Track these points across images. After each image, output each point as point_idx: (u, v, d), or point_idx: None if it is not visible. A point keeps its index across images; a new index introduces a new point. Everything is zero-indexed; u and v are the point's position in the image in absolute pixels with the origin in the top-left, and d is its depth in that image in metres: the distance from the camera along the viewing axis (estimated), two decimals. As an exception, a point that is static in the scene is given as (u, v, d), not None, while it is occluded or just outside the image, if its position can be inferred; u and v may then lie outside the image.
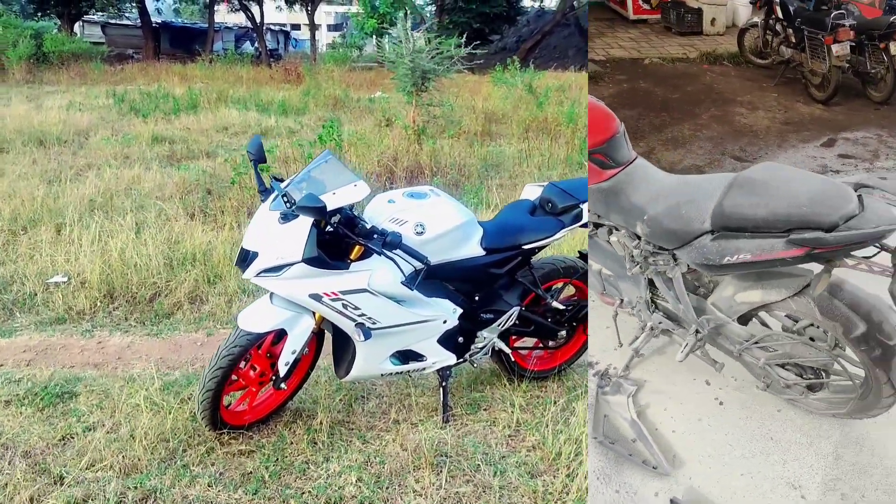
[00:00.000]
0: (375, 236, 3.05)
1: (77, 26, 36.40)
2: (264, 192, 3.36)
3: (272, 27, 45.63)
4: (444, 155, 9.29)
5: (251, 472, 3.15)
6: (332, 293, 3.11)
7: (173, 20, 42.02)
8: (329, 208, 2.98)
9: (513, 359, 3.92)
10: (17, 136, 11.01)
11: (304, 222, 2.99)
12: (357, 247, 3.14)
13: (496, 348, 3.82)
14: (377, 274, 3.17)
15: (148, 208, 7.11)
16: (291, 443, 3.39)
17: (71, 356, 4.30)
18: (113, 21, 37.86)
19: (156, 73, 24.35)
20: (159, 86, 18.81)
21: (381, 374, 3.52)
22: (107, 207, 7.12)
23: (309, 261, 3.00)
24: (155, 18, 39.22)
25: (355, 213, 3.21)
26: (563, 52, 40.86)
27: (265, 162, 3.42)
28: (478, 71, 16.84)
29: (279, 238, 3.05)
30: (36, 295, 4.99)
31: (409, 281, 3.21)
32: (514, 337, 3.95)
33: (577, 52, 40.17)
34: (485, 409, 3.76)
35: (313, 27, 37.38)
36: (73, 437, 3.36)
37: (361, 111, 15.44)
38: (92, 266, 5.13)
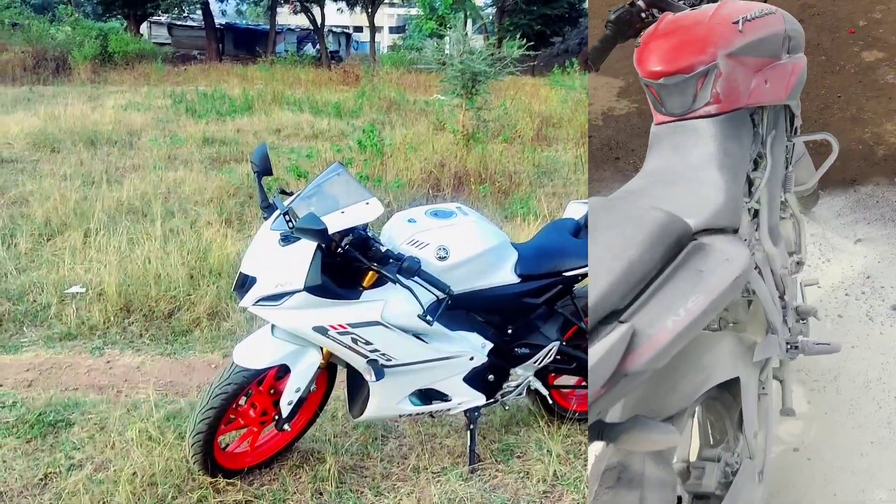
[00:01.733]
0: (391, 261, 2.65)
1: (144, 27, 37.08)
2: (267, 208, 2.99)
3: (334, 29, 45.84)
4: (493, 161, 8.85)
5: (244, 529, 2.77)
6: (340, 325, 2.71)
7: (237, 22, 42.51)
8: (335, 230, 2.60)
9: (551, 399, 3.47)
10: (68, 136, 10.98)
11: (308, 245, 2.60)
12: (370, 273, 2.74)
13: (532, 387, 3.37)
14: (392, 304, 2.77)
15: (183, 213, 6.86)
16: (294, 492, 2.99)
17: (76, 377, 4.00)
18: (178, 22, 38.45)
19: (217, 75, 24.54)
20: (216, 87, 18.82)
21: (400, 416, 3.11)
22: (142, 212, 6.89)
23: (312, 289, 2.61)
24: (219, 20, 39.71)
25: (370, 234, 2.81)
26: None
27: (271, 174, 3.04)
28: (538, 73, 16.40)
29: (279, 262, 2.67)
30: (50, 307, 4.72)
31: (430, 312, 2.78)
32: (553, 374, 3.50)
33: (642, 54, 39.30)
34: (518, 457, 3.32)
35: (373, 29, 37.32)
36: (54, 477, 3.03)
37: (416, 114, 15.10)
38: (111, 277, 4.84)
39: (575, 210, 3.51)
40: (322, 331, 2.71)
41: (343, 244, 2.74)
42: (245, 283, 2.75)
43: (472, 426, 3.24)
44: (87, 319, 4.57)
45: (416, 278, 2.63)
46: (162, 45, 35.18)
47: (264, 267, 2.72)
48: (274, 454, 3.14)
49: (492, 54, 9.34)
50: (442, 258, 2.85)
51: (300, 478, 3.08)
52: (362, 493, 3.01)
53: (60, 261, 5.37)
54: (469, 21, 34.20)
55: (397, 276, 2.62)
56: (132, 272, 5.01)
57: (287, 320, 2.73)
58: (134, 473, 2.97)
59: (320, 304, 2.68)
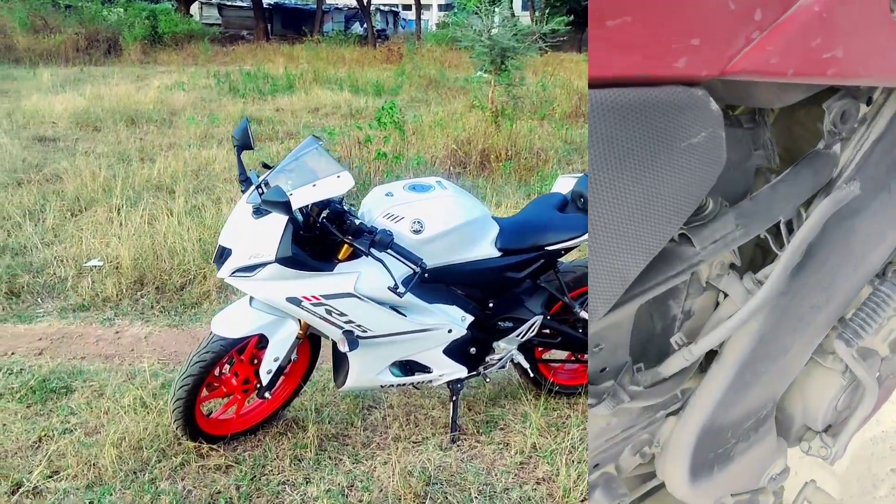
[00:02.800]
0: (364, 234, 2.68)
1: (195, 8, 37.59)
2: (245, 181, 3.05)
3: (382, 7, 45.86)
4: (522, 137, 8.79)
5: (220, 492, 2.85)
6: (314, 297, 2.76)
7: (285, 1, 42.75)
8: (303, 203, 2.64)
9: (533, 373, 3.48)
10: (110, 115, 11.25)
11: (279, 218, 2.65)
12: (345, 246, 2.78)
13: (515, 361, 3.39)
14: (366, 277, 2.80)
15: (209, 191, 7.00)
16: (274, 458, 3.07)
17: (85, 346, 4.14)
18: (228, 3, 38.89)
19: (263, 54, 24.78)
20: (260, 67, 19.03)
21: (381, 386, 3.16)
22: (169, 189, 7.04)
23: (284, 260, 2.65)
24: (268, 0, 40.01)
25: (346, 208, 2.84)
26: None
27: (251, 148, 3.11)
28: (584, 50, 16.11)
29: (252, 235, 2.73)
30: (67, 279, 4.88)
31: (404, 285, 2.81)
32: (540, 348, 3.51)
33: (693, 29, 38.50)
34: (500, 429, 3.34)
35: (419, 6, 37.20)
36: (47, 440, 3.15)
37: (455, 92, 15.08)
38: (126, 251, 4.98)
39: (563, 184, 3.49)
40: (296, 301, 2.76)
41: (320, 218, 2.78)
42: (223, 255, 2.82)
43: (454, 398, 3.27)
44: (100, 291, 4.71)
45: (388, 251, 2.66)
46: (212, 25, 35.65)
47: (239, 239, 2.78)
48: (258, 422, 3.22)
49: (520, 29, 9.25)
50: (417, 231, 2.87)
51: (282, 444, 3.16)
52: (340, 460, 3.07)
53: (83, 236, 5.53)
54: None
55: (370, 249, 2.65)
56: (148, 246, 5.14)
57: (261, 291, 2.79)
58: (121, 438, 3.08)
59: (293, 276, 2.73)
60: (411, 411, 3.46)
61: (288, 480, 2.94)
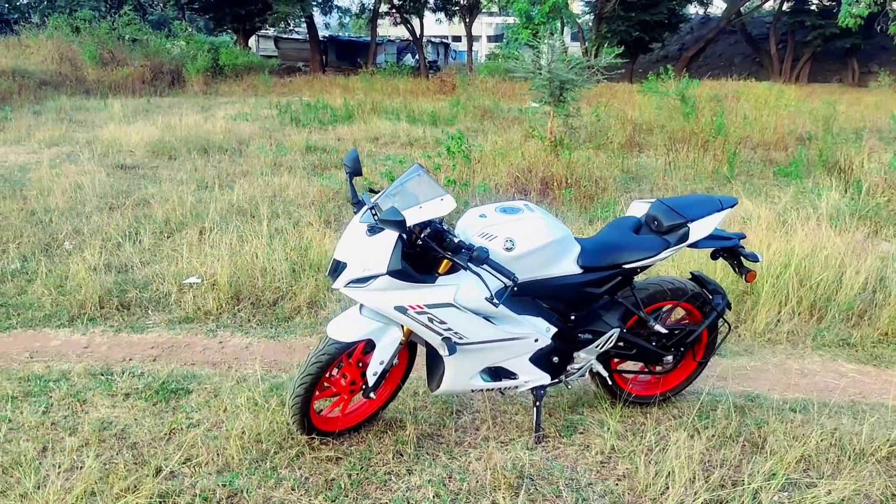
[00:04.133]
0: (463, 251, 3.02)
1: (253, 41, 38.84)
2: (357, 203, 3.41)
3: (433, 39, 46.72)
4: (580, 166, 9.11)
5: (334, 479, 3.20)
6: (418, 306, 3.11)
7: (339, 34, 43.91)
8: (413, 222, 2.99)
9: (611, 381, 3.78)
10: (183, 145, 11.86)
11: (390, 235, 3.01)
12: (445, 261, 3.12)
13: (594, 370, 3.69)
14: (464, 288, 3.14)
15: (287, 215, 7.44)
16: (378, 452, 3.41)
17: (193, 354, 4.55)
18: (284, 35, 40.09)
19: (320, 85, 25.61)
20: (319, 97, 19.69)
21: (472, 390, 3.48)
22: (250, 213, 7.51)
23: (393, 273, 3.01)
24: (323, 32, 41.17)
25: (445, 227, 3.19)
26: (729, 59, 39.25)
27: (360, 174, 3.48)
28: (636, 80, 16.36)
29: (366, 250, 3.08)
30: (170, 295, 5.33)
31: (497, 297, 3.14)
32: (616, 359, 3.81)
33: (744, 59, 38.48)
34: (580, 433, 3.64)
35: (470, 38, 37.89)
36: (177, 432, 3.55)
37: (510, 122, 15.47)
38: (223, 270, 5.41)
39: (637, 209, 3.80)
40: (402, 310, 3.11)
41: (422, 236, 3.13)
42: (337, 269, 3.18)
43: (538, 403, 3.58)
44: (202, 306, 5.14)
45: (484, 266, 2.99)
46: (269, 57, 36.80)
47: (353, 254, 3.14)
48: (362, 420, 3.57)
49: (579, 63, 9.60)
50: (509, 249, 3.20)
51: (383, 441, 3.50)
52: (437, 455, 3.40)
53: (179, 255, 5.99)
54: (566, 28, 34.33)
55: (468, 263, 2.99)
56: (241, 265, 5.57)
57: (372, 300, 3.14)
58: (242, 432, 3.45)
59: (401, 287, 3.08)
60: (497, 415, 3.77)
61: (392, 471, 3.27)
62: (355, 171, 3.46)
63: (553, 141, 9.63)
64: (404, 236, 3.08)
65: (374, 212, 3.14)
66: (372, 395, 3.38)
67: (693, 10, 41.30)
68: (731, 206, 3.67)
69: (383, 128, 14.51)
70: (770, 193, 8.74)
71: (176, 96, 22.24)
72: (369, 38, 38.70)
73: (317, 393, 3.36)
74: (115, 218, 7.17)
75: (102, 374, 4.18)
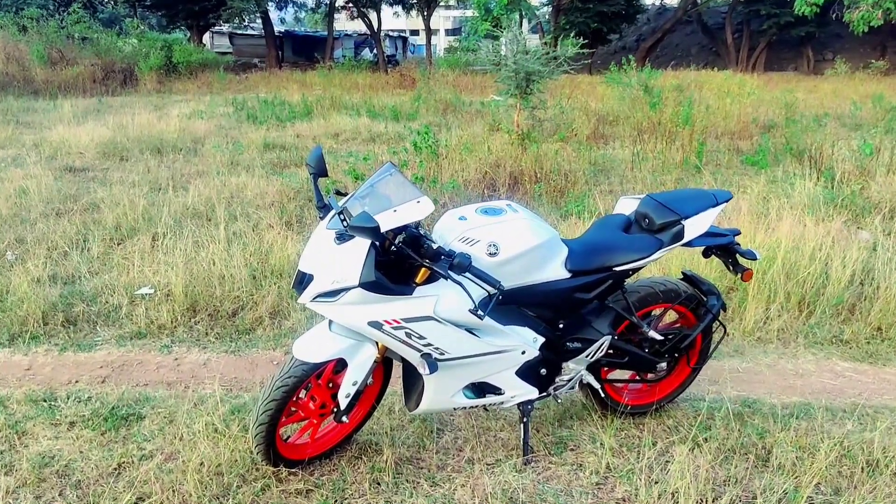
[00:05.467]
0: (442, 258, 2.71)
1: (206, 37, 38.01)
2: (323, 208, 3.09)
3: (391, 33, 46.26)
4: (548, 160, 8.85)
5: (305, 515, 2.88)
6: (394, 321, 2.80)
7: (295, 29, 43.19)
8: (387, 228, 2.68)
9: (603, 392, 3.50)
10: (136, 145, 11.39)
11: (362, 243, 2.69)
12: (423, 269, 2.82)
13: (584, 381, 3.42)
14: (444, 300, 2.84)
15: (245, 217, 7.07)
16: (353, 482, 3.10)
17: (146, 373, 4.18)
18: (239, 31, 39.30)
19: (277, 81, 25.06)
20: (276, 93, 19.23)
21: (454, 409, 3.19)
22: (206, 216, 7.12)
23: (366, 285, 2.69)
24: (278, 28, 40.44)
25: (422, 232, 2.88)
26: (686, 50, 39.44)
27: (326, 175, 3.14)
28: (595, 71, 16.23)
29: (335, 260, 2.76)
30: (121, 307, 4.94)
31: (481, 307, 2.84)
32: (606, 368, 3.53)
33: (701, 49, 38.69)
34: (571, 450, 3.36)
35: (429, 32, 37.51)
36: (127, 466, 3.19)
37: (472, 116, 15.19)
38: (178, 279, 5.04)
39: (626, 205, 3.53)
40: (377, 325, 2.80)
41: (396, 242, 2.82)
42: (303, 281, 2.85)
43: (525, 419, 3.30)
44: (155, 319, 4.77)
45: (467, 274, 2.69)
46: (224, 54, 36.05)
47: (321, 265, 2.81)
48: (333, 446, 3.25)
49: (546, 53, 9.33)
50: (492, 254, 2.91)
51: (358, 468, 3.19)
52: (418, 483, 3.10)
53: (130, 264, 5.60)
54: (525, 21, 34.16)
55: (449, 272, 2.68)
56: (198, 273, 5.20)
57: (343, 316, 2.82)
58: (201, 463, 3.11)
59: (375, 300, 2.76)
60: (480, 433, 3.48)
61: (370, 503, 2.96)
62: (320, 171, 3.13)
63: (520, 134, 9.35)
64: (377, 243, 2.77)
65: (342, 217, 2.83)
66: (344, 418, 3.06)
67: (650, 0, 41.41)
68: (726, 201, 3.42)
69: (343, 124, 14.15)
70: (741, 183, 8.56)
71: (128, 95, 21.56)
72: (326, 33, 38.06)
73: (283, 419, 3.03)
74: (61, 225, 6.73)
75: (45, 400, 3.79)
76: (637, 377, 3.64)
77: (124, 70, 25.04)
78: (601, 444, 3.33)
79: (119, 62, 25.55)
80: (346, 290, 2.73)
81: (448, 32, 58.90)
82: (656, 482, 3.00)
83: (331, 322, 2.98)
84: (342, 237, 2.78)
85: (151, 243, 6.13)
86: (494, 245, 2.92)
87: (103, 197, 7.84)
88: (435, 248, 2.74)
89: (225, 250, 5.59)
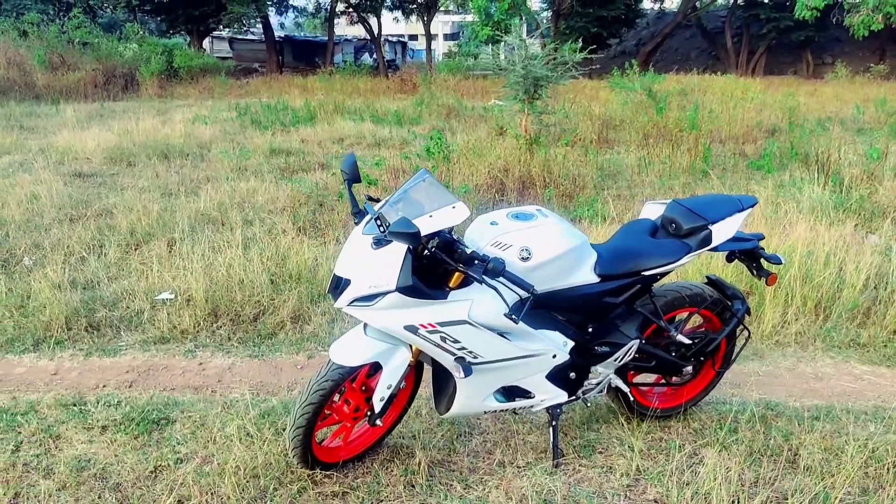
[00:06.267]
0: (476, 262, 2.75)
1: (206, 42, 38.03)
2: (358, 213, 3.13)
3: (390, 38, 46.37)
4: (557, 164, 8.91)
5: (342, 518, 2.92)
6: (429, 325, 2.83)
7: (295, 34, 43.26)
8: (425, 233, 2.71)
9: (632, 396, 3.54)
10: (142, 150, 11.43)
11: (399, 248, 2.73)
12: (456, 274, 2.85)
13: (613, 385, 3.45)
14: (478, 304, 2.87)
15: (259, 222, 7.10)
16: (387, 484, 3.13)
17: (172, 378, 4.22)
18: (239, 36, 39.34)
19: (278, 86, 25.12)
20: (279, 98, 19.28)
21: (485, 412, 3.22)
22: (219, 221, 7.16)
23: (404, 290, 2.73)
24: (278, 33, 40.51)
25: (455, 237, 2.92)
26: (685, 54, 39.55)
27: (359, 181, 3.19)
28: (595, 76, 16.30)
29: (372, 265, 2.80)
30: (143, 312, 4.98)
31: (514, 311, 2.88)
32: (632, 372, 3.57)
33: (700, 53, 38.80)
34: (600, 453, 3.40)
35: (429, 37, 37.58)
36: (164, 470, 3.22)
37: (475, 120, 15.24)
38: (198, 284, 5.07)
39: (652, 210, 3.57)
40: (413, 329, 2.83)
41: (430, 247, 2.86)
42: (339, 285, 2.89)
43: (554, 422, 3.34)
44: (178, 324, 4.80)
45: (500, 279, 2.73)
46: (224, 58, 36.07)
47: (358, 269, 2.85)
48: (365, 449, 3.29)
49: (554, 58, 9.39)
50: (525, 259, 2.94)
51: (392, 471, 3.22)
52: (452, 485, 3.14)
53: (148, 269, 5.63)
54: (524, 25, 34.23)
55: (483, 276, 2.72)
56: (216, 279, 5.23)
57: (380, 320, 2.85)
58: (237, 467, 3.15)
59: (411, 304, 2.80)
60: (508, 437, 3.52)
61: (406, 505, 3.00)
62: (353, 177, 3.16)
63: (528, 139, 9.40)
64: (412, 249, 2.81)
65: (379, 223, 2.87)
66: (378, 422, 3.09)
67: (649, 5, 41.53)
68: (752, 206, 3.47)
69: (347, 128, 14.19)
70: (748, 188, 8.62)
71: (130, 100, 21.63)
72: (326, 38, 38.14)
73: (318, 422, 3.07)
74: (76, 230, 6.76)
75: (75, 405, 3.83)
76: (663, 381, 3.68)
77: (125, 75, 25.09)
78: (629, 447, 3.37)
79: (120, 67, 25.58)
80: (384, 294, 2.77)
81: (447, 37, 59.00)
82: (687, 484, 3.04)
83: (365, 326, 3.02)
84: (379, 242, 2.82)
85: (168, 249, 6.17)
86: (527, 250, 2.96)
87: (116, 202, 7.88)
88: (469, 252, 2.78)
89: (243, 255, 5.62)
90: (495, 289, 2.77)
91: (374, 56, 38.49)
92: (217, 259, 5.58)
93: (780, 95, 17.92)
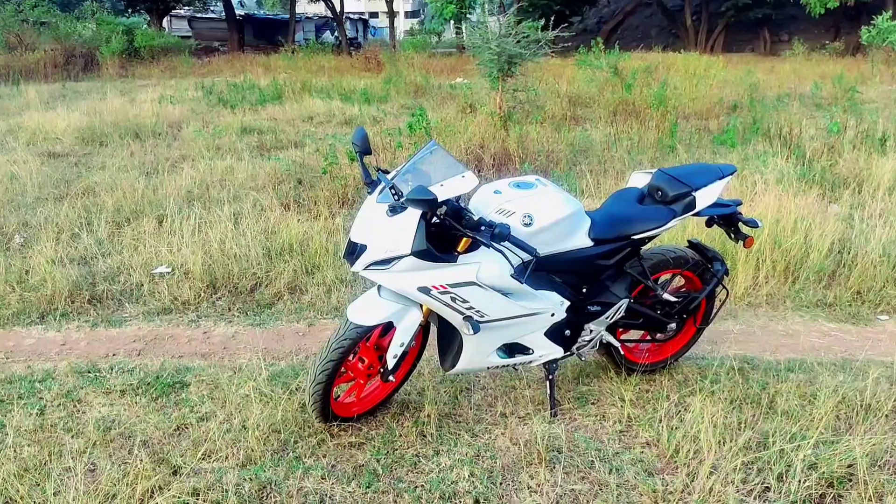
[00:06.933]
0: (483, 228, 2.97)
1: (165, 21, 37.50)
2: (370, 183, 3.33)
3: (351, 16, 46.08)
4: (531, 141, 9.15)
5: (363, 465, 3.14)
6: (441, 286, 3.05)
7: (256, 12, 42.82)
8: (445, 198, 2.93)
9: (621, 351, 3.82)
10: (114, 130, 11.40)
11: (413, 215, 2.94)
12: (464, 239, 3.07)
13: (604, 341, 3.72)
14: (485, 266, 3.10)
15: (243, 199, 7.23)
16: (400, 435, 3.37)
17: (179, 346, 4.39)
18: (199, 15, 38.86)
19: (241, 65, 24.95)
20: (245, 77, 19.22)
21: (487, 368, 3.46)
22: (204, 198, 7.28)
23: (418, 254, 2.95)
24: (238, 11, 40.05)
25: (462, 205, 3.14)
26: (646, 32, 39.98)
27: (370, 153, 3.39)
28: (560, 54, 16.50)
29: (388, 231, 3.01)
30: (143, 285, 5.12)
31: (518, 273, 3.12)
32: (620, 329, 3.84)
33: (660, 31, 39.25)
34: (593, 404, 3.67)
35: (391, 14, 37.46)
36: (188, 427, 3.42)
37: (443, 98, 15.39)
38: (194, 257, 5.23)
39: (638, 179, 3.83)
40: (425, 290, 3.05)
41: (440, 214, 3.07)
42: (354, 251, 3.10)
43: (550, 376, 3.60)
44: (178, 296, 4.96)
45: (506, 243, 2.96)
46: (184, 38, 35.63)
47: (373, 235, 3.05)
48: (378, 403, 3.51)
49: (525, 36, 9.59)
50: (527, 224, 3.17)
51: (403, 424, 3.45)
52: (460, 434, 3.38)
53: (141, 244, 5.76)
54: (486, 3, 34.32)
55: (490, 241, 2.95)
56: (212, 253, 5.39)
57: (395, 282, 3.07)
58: (258, 423, 3.35)
59: (424, 267, 3.01)
60: (508, 391, 3.77)
61: (420, 453, 3.23)
62: (365, 149, 3.37)
63: (502, 116, 9.62)
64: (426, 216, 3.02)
65: (393, 191, 3.07)
66: (391, 377, 3.32)
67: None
68: (732, 174, 3.74)
69: (316, 107, 14.27)
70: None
71: (92, 80, 21.35)
72: (287, 16, 37.84)
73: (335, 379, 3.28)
74: (62, 208, 6.81)
75: (90, 372, 3.99)
76: (649, 337, 3.95)
77: (85, 55, 24.75)
78: (620, 397, 3.64)
79: (79, 47, 25.24)
80: (399, 258, 2.98)
81: (408, 14, 58.79)
82: (676, 428, 3.31)
83: (379, 289, 3.23)
84: (394, 210, 3.03)
85: (158, 225, 6.29)
86: (529, 216, 3.19)
87: (97, 181, 7.95)
88: (476, 219, 3.00)
89: (235, 230, 5.78)
90: (501, 252, 3.01)
91: (336, 34, 38.30)
92: (209, 234, 5.72)
93: (740, 72, 18.33)
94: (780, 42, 34.28)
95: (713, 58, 23.40)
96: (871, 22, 21.93)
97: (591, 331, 3.63)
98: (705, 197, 3.60)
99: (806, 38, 30.93)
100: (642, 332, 3.93)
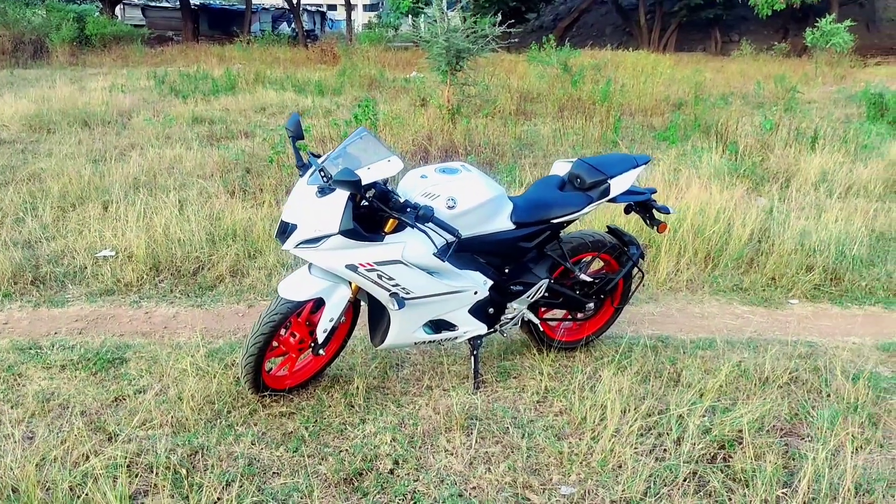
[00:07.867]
0: (409, 210, 3.17)
1: (118, 9, 36.94)
2: (302, 167, 3.51)
3: (308, 8, 45.87)
4: (478, 134, 9.38)
5: (292, 432, 3.33)
6: (368, 264, 3.25)
7: (211, 2, 42.34)
8: (363, 182, 3.12)
9: (542, 329, 4.05)
10: (62, 118, 11.35)
11: (341, 196, 3.13)
12: (391, 220, 3.26)
13: (526, 319, 3.95)
14: (410, 246, 3.30)
15: (190, 186, 7.34)
16: (329, 406, 3.56)
17: (120, 325, 4.52)
18: (152, 3, 38.37)
19: (195, 55, 24.75)
20: (198, 67, 19.13)
21: (415, 343, 3.66)
22: (151, 185, 7.36)
23: (345, 233, 3.14)
24: (193, 0, 39.60)
25: (389, 188, 3.33)
26: (601, 30, 40.51)
27: (303, 139, 3.56)
28: (514, 50, 16.81)
29: (317, 211, 3.19)
30: (86, 268, 5.22)
31: (441, 253, 3.33)
32: (543, 308, 4.07)
33: (615, 29, 39.82)
34: (514, 377, 3.90)
35: (349, 7, 37.39)
36: (125, 399, 3.57)
37: (397, 91, 15.55)
38: (138, 241, 5.35)
39: (560, 168, 4.07)
40: (353, 268, 3.25)
41: (368, 196, 3.26)
42: (286, 230, 3.28)
43: (475, 352, 3.82)
44: (121, 278, 5.08)
45: (430, 224, 3.17)
46: (137, 26, 35.14)
47: (303, 215, 3.24)
48: (309, 377, 3.70)
49: (474, 31, 9.81)
50: (451, 207, 3.39)
51: (333, 395, 3.65)
52: (386, 405, 3.58)
53: (86, 229, 5.85)
54: (444, -1, 34.47)
55: (415, 222, 3.16)
56: (156, 237, 5.51)
57: (324, 260, 3.26)
58: (192, 395, 3.51)
59: (351, 246, 3.21)
60: (435, 366, 3.98)
61: (347, 421, 3.43)
62: (297, 134, 3.54)
63: (451, 109, 9.83)
64: (354, 197, 3.21)
65: (323, 174, 3.25)
66: (321, 351, 3.51)
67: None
68: (645, 163, 3.99)
69: (269, 98, 14.33)
70: (654, 156, 9.26)
71: (41, 68, 21.05)
72: (243, 7, 37.53)
73: (267, 352, 3.45)
74: (7, 193, 6.86)
75: (31, 349, 4.11)
76: (569, 316, 4.19)
77: (34, 42, 24.31)
78: (539, 371, 3.88)
79: (28, 33, 24.77)
80: (327, 237, 3.17)
81: (366, 7, 58.67)
82: (587, 397, 3.55)
83: (310, 266, 3.42)
84: (323, 191, 3.21)
85: (103, 211, 6.37)
86: (453, 199, 3.40)
87: (43, 167, 7.98)
88: (402, 201, 3.20)
89: (180, 214, 5.90)
90: (425, 233, 3.23)
91: (293, 26, 38.10)
92: (154, 219, 5.83)
93: (689, 71, 18.81)
94: (730, 42, 35.01)
95: (662, 56, 23.92)
96: (816, 24, 22.60)
97: (513, 309, 3.85)
98: (620, 184, 3.85)
99: (755, 39, 31.66)
100: (563, 311, 4.16)
